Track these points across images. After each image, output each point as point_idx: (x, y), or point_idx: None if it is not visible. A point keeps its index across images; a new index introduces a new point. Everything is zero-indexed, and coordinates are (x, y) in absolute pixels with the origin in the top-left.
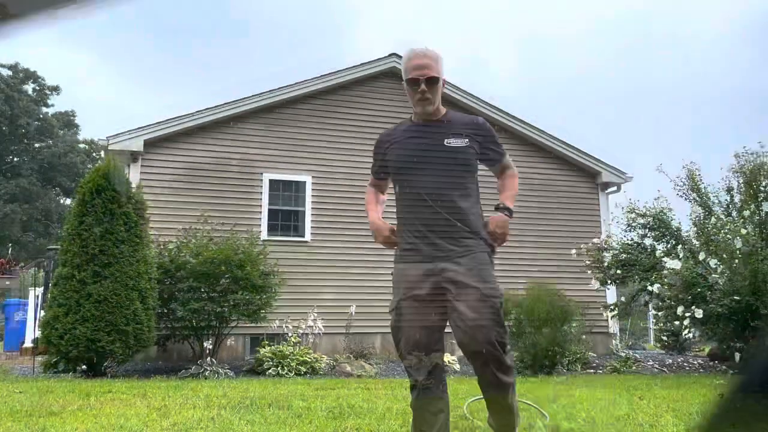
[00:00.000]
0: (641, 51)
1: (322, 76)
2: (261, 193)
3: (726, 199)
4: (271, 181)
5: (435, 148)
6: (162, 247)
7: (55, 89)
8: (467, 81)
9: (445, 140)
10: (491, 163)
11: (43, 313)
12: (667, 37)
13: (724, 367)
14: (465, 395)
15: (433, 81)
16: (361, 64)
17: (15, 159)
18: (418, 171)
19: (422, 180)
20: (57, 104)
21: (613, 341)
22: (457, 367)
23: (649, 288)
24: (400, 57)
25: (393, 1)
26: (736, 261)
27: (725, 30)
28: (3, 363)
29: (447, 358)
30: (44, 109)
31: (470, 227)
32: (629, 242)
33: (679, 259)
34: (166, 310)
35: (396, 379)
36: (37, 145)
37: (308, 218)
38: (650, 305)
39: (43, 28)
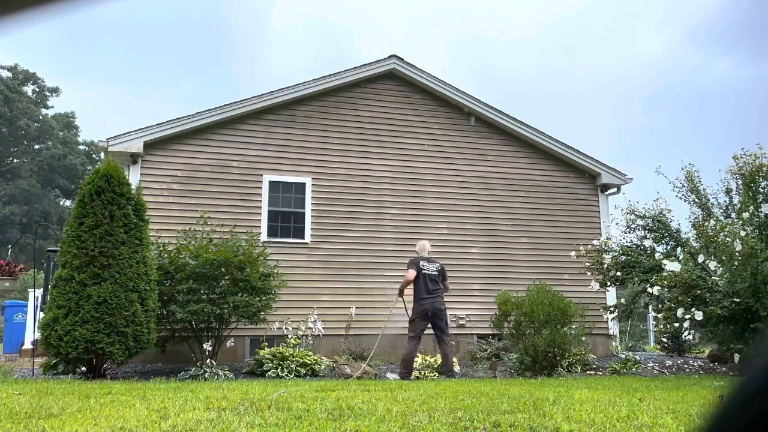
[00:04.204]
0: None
1: (321, 77)
2: (261, 194)
3: (725, 201)
4: (270, 182)
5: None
6: (162, 248)
7: (55, 91)
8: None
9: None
10: (444, 280)
11: (42, 314)
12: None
13: (724, 368)
14: (464, 395)
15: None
16: (361, 65)
17: (15, 161)
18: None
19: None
20: (57, 105)
21: (613, 343)
22: (456, 368)
23: (649, 290)
24: (400, 59)
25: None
26: (736, 263)
27: (672, 29)
28: (3, 364)
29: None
30: (44, 111)
31: (441, 294)
32: (629, 244)
33: (679, 261)
34: (165, 312)
35: (395, 380)
36: (36, 146)
37: (308, 220)
38: (650, 307)
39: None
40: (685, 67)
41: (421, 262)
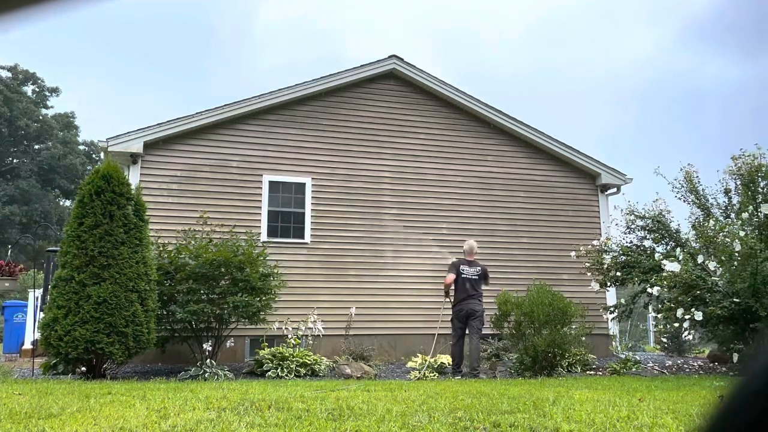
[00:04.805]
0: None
1: (321, 77)
2: (261, 194)
3: (724, 201)
4: (270, 182)
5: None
6: (161, 248)
7: (55, 91)
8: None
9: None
10: (486, 281)
11: (42, 314)
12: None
13: (724, 368)
14: (463, 395)
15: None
16: (361, 66)
17: (14, 161)
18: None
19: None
20: (56, 105)
21: (613, 343)
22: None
23: (649, 290)
24: (400, 59)
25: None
26: (735, 263)
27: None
28: (3, 364)
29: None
30: (44, 111)
31: (480, 294)
32: (628, 244)
33: (679, 262)
34: (165, 312)
35: (395, 380)
36: (36, 146)
37: (308, 220)
38: (650, 307)
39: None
40: (680, 67)
41: (461, 266)
